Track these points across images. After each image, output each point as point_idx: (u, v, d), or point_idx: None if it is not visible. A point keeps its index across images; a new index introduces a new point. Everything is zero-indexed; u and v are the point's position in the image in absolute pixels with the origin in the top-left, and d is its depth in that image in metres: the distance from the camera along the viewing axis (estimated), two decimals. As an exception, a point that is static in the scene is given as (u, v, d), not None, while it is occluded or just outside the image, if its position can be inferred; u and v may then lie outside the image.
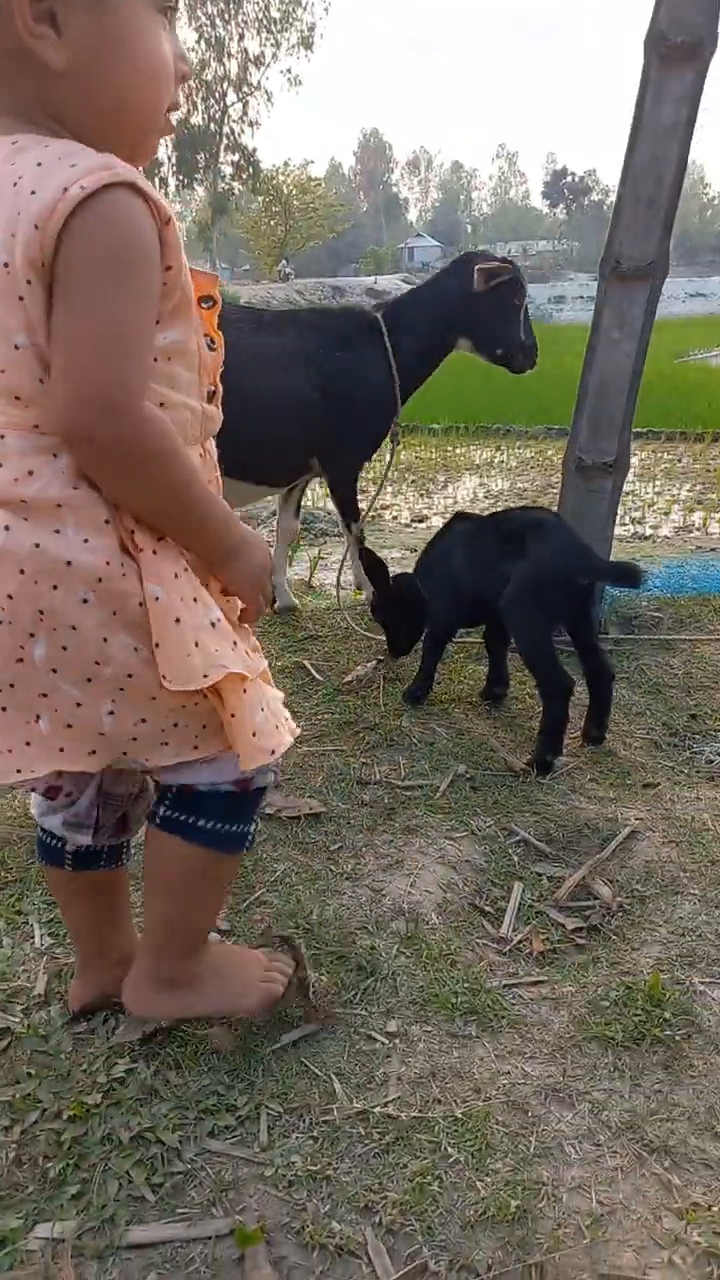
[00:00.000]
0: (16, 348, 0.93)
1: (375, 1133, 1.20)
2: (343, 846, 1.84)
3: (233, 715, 1.08)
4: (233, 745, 1.09)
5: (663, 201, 2.55)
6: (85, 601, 0.98)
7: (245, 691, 1.08)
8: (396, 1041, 1.36)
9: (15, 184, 0.90)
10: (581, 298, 31.03)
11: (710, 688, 2.52)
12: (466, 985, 1.46)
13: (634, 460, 7.69)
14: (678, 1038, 1.35)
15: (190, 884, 1.24)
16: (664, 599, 3.12)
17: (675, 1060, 1.32)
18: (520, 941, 1.59)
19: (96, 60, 0.94)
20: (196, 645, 1.03)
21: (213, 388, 1.12)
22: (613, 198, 2.71)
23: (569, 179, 79.90)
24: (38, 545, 0.96)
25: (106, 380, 0.91)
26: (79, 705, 1.02)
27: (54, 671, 1.00)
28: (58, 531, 0.96)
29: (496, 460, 7.42)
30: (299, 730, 1.19)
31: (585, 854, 1.84)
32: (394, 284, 40.78)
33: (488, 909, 1.68)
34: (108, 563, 0.98)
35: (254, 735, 1.08)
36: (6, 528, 0.95)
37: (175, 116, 1.05)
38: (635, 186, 2.56)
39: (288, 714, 1.17)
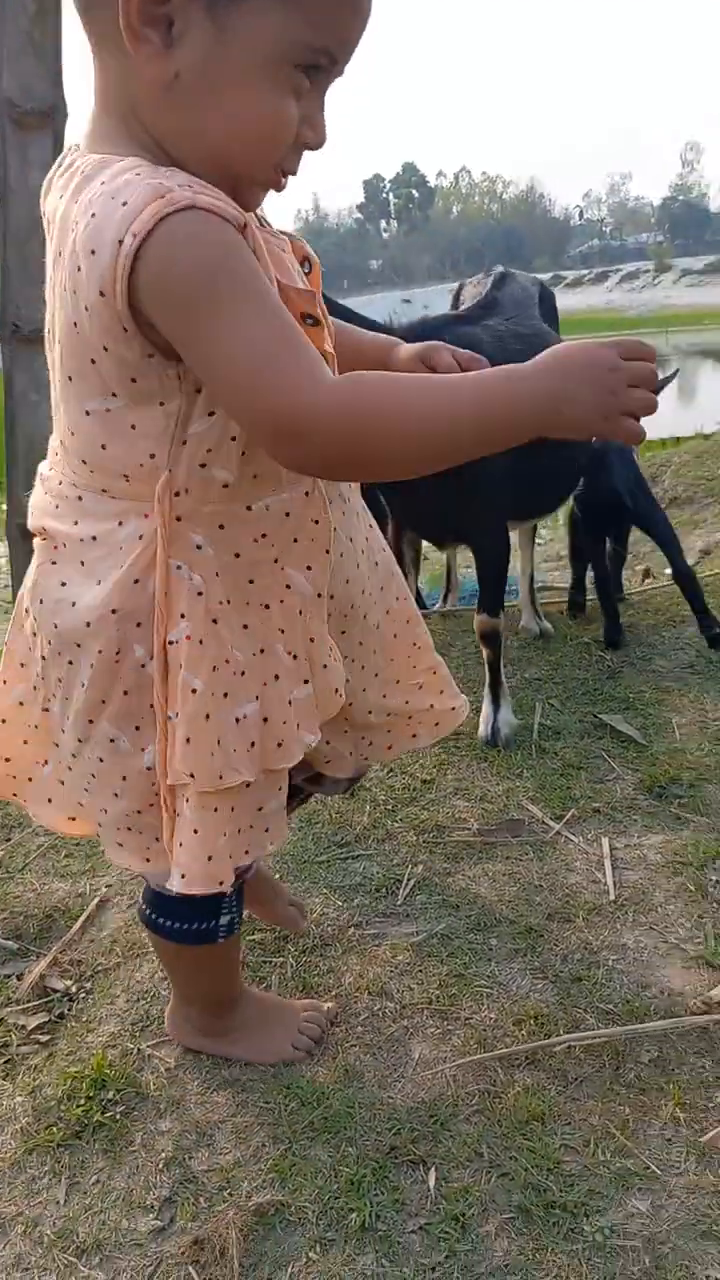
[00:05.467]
0: (87, 414, 0.91)
1: None
2: None
3: (195, 831, 1.01)
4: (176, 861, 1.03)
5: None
6: None
7: (216, 810, 1.01)
8: None
9: (72, 230, 0.84)
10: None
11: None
12: None
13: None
14: (119, 1115, 1.34)
15: (173, 967, 1.39)
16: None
17: (116, 1141, 1.31)
18: (-21, 1063, 1.50)
19: (194, 96, 0.84)
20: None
21: None
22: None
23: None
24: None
25: (266, 409, 0.84)
26: None
27: None
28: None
29: None
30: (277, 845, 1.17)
31: (56, 939, 1.79)
32: None
33: (-57, 1038, 1.56)
34: None
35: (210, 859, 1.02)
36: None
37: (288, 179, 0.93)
38: (21, 251, 2.56)
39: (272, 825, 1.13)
